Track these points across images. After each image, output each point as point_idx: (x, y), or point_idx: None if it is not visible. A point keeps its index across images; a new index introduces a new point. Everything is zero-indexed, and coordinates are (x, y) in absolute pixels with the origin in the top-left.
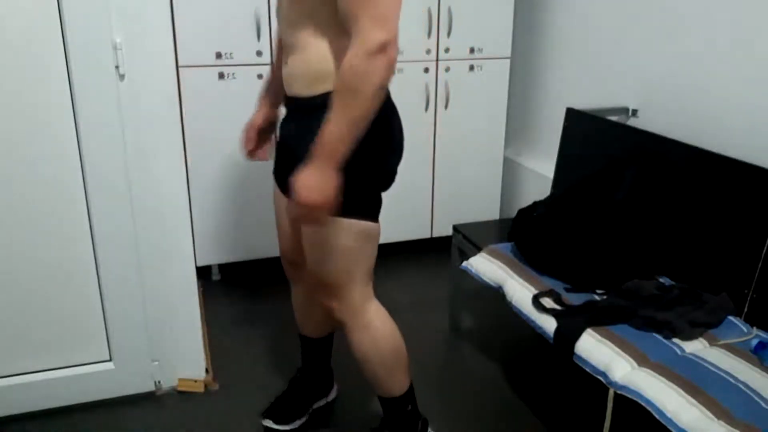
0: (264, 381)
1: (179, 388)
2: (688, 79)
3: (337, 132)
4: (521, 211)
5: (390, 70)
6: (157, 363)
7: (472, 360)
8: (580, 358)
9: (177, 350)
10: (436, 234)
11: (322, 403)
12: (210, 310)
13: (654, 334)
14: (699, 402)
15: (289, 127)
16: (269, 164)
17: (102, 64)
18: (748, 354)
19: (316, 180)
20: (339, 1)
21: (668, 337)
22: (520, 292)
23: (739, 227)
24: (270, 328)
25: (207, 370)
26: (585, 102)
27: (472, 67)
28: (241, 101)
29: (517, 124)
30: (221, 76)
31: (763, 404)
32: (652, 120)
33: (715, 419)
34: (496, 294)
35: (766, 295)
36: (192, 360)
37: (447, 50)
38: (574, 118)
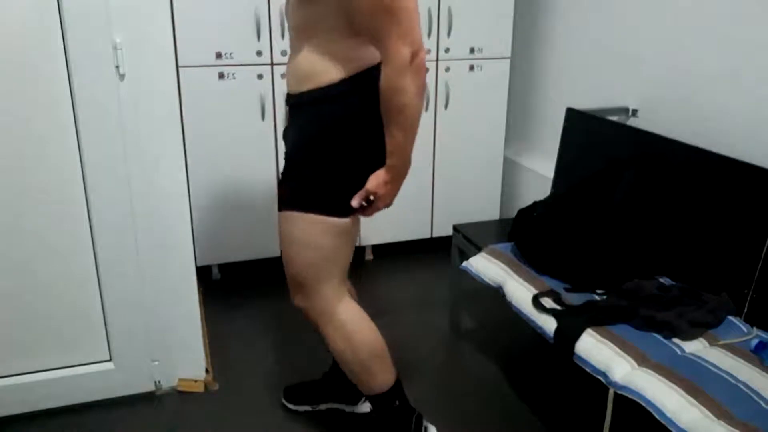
0: (264, 381)
1: (179, 388)
2: (688, 79)
3: (396, 143)
4: (521, 211)
5: (421, 75)
6: (157, 363)
7: (472, 360)
8: (580, 358)
9: (177, 350)
10: (436, 234)
11: (341, 407)
12: (210, 310)
13: (654, 334)
14: (699, 402)
15: (286, 121)
16: (269, 164)
17: (102, 64)
18: (748, 354)
19: (389, 188)
20: (362, 21)
21: (668, 337)
22: (520, 292)
23: (739, 227)
24: (270, 328)
25: (207, 370)
26: (585, 102)
27: (472, 67)
28: (241, 101)
29: (517, 124)
30: (221, 76)
31: (763, 404)
32: (652, 120)
33: (716, 419)
34: (496, 294)
35: (766, 295)
36: (192, 360)
37: (447, 50)
38: (574, 118)
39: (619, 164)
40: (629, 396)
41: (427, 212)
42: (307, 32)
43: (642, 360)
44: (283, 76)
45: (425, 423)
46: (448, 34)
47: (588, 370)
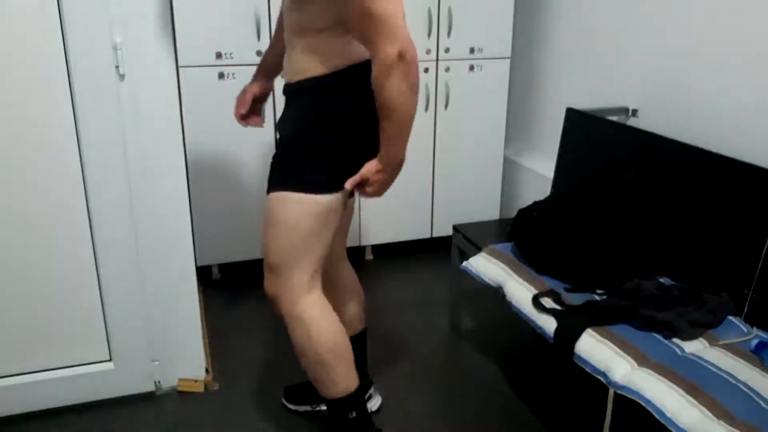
0: (264, 381)
1: (179, 388)
2: (688, 79)
3: (386, 136)
4: (521, 211)
5: (410, 71)
6: (157, 363)
7: (472, 360)
8: (580, 358)
9: (177, 350)
10: (436, 234)
11: None
12: (210, 310)
13: (654, 334)
14: (699, 402)
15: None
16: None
17: (102, 64)
18: (748, 354)
19: (380, 177)
20: (351, 24)
21: (668, 337)
22: (520, 292)
23: (739, 227)
24: (270, 328)
25: (207, 370)
26: (585, 102)
27: (472, 67)
28: None
29: (517, 124)
30: (221, 76)
31: (763, 404)
32: (652, 120)
33: (715, 419)
34: (496, 294)
35: (766, 295)
36: (192, 360)
37: (447, 50)
38: (574, 118)
39: (619, 164)
40: (629, 396)
41: (427, 212)
42: (300, 32)
43: (642, 360)
44: (283, 76)
45: None
46: (448, 34)
47: (588, 370)
